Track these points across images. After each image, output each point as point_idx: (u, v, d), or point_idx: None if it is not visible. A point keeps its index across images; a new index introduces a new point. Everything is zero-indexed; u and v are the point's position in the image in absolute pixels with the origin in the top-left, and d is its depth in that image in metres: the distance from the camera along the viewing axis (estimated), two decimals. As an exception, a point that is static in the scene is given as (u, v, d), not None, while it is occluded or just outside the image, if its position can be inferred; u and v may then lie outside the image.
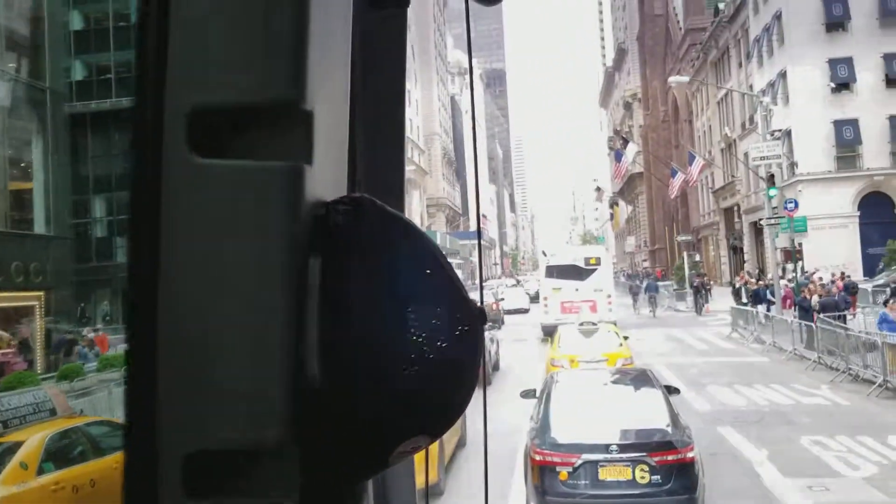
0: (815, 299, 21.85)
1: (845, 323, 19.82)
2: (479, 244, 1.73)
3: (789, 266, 28.55)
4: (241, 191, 0.71)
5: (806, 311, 21.74)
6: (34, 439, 9.25)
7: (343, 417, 0.74)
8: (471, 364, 0.78)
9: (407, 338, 0.74)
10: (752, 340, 24.25)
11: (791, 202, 25.05)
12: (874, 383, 15.53)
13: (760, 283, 29.95)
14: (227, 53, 0.72)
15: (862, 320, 21.02)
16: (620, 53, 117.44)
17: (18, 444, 9.08)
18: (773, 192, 24.94)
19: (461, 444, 12.11)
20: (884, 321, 16.05)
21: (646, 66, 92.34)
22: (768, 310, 26.17)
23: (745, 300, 27.02)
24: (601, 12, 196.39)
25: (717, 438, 12.15)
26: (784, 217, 25.39)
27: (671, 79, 42.63)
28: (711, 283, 41.25)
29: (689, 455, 7.84)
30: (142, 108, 0.73)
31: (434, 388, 0.76)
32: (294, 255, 0.72)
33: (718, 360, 21.09)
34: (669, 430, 8.19)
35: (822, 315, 20.27)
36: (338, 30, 0.84)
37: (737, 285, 32.35)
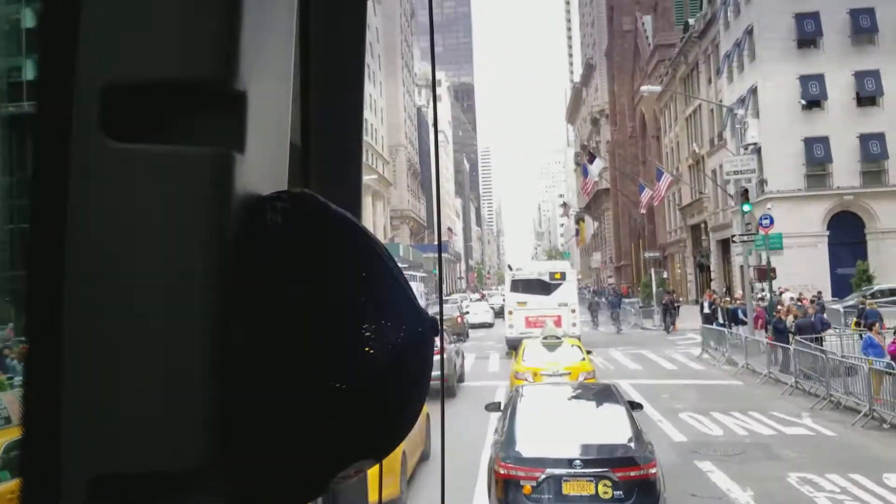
0: (790, 320, 20.88)
1: (822, 345, 18.85)
2: (440, 256, 1.53)
3: (758, 285, 27.64)
4: (161, 179, 0.64)
5: (781, 333, 20.76)
6: None
7: (276, 438, 0.66)
8: (420, 379, 0.71)
9: (349, 350, 0.66)
10: (724, 362, 23.23)
11: (766, 218, 24.15)
12: (858, 412, 14.49)
13: (727, 300, 29.01)
14: (148, 23, 0.65)
15: (838, 343, 20.08)
16: (588, 69, 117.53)
17: None
18: (746, 207, 24.02)
19: (424, 457, 12.04)
20: (869, 346, 15.06)
21: (614, 81, 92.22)
22: (734, 329, 25.21)
23: (721, 320, 25.96)
24: (569, 28, 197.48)
25: (697, 476, 10.91)
26: (758, 234, 24.46)
27: (643, 88, 41.94)
28: (680, 300, 40.39)
29: (652, 471, 7.85)
30: (48, 85, 0.65)
31: (380, 405, 0.68)
32: (220, 254, 0.64)
33: (690, 383, 19.98)
34: (632, 445, 8.21)
35: (798, 337, 19.29)
36: (280, 5, 0.75)
37: (705, 304, 31.40)
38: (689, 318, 35.91)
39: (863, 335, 21.48)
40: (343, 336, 0.66)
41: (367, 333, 0.66)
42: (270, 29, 0.72)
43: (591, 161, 71.04)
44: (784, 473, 10.77)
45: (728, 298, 34.72)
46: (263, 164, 0.71)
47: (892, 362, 14.03)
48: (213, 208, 0.63)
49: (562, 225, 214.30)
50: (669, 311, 35.79)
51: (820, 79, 40.27)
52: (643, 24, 76.03)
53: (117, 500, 0.62)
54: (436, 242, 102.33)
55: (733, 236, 25.49)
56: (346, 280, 0.68)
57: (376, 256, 0.70)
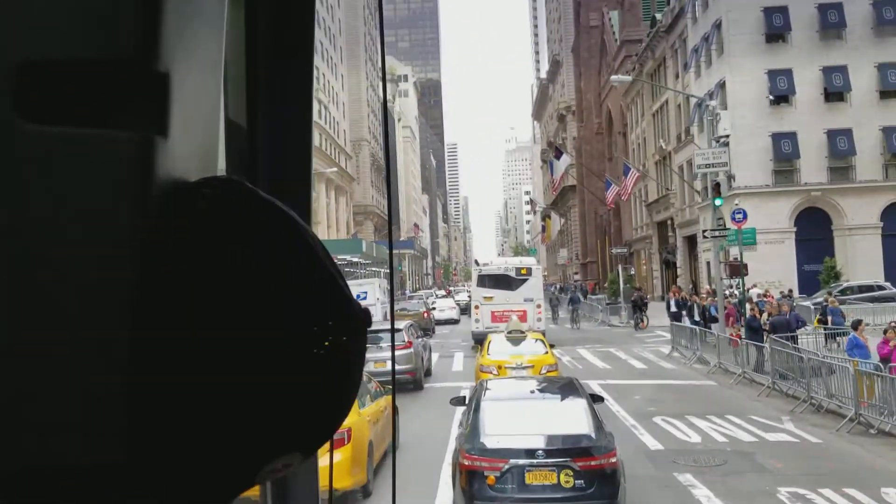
0: (764, 318, 20.15)
1: (797, 343, 18.11)
2: (391, 251, 1.63)
3: (726, 282, 26.94)
4: (78, 163, 0.61)
5: (755, 331, 20.00)
6: None
7: (195, 432, 0.64)
8: (351, 372, 0.70)
9: (276, 343, 0.64)
10: (695, 360, 22.47)
11: (739, 213, 23.39)
12: (841, 415, 13.71)
13: (703, 297, 28.26)
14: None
15: (811, 341, 19.37)
16: (555, 65, 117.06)
17: None
18: (718, 202, 23.24)
19: (392, 448, 12.30)
20: (855, 346, 14.27)
21: (580, 78, 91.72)
22: (708, 327, 24.46)
23: (697, 317, 25.15)
24: (536, 25, 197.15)
25: (679, 491, 9.96)
26: (730, 229, 23.72)
27: (613, 77, 41.08)
28: (648, 297, 39.75)
29: (612, 461, 8.09)
30: None
31: (308, 398, 0.67)
32: (139, 244, 0.62)
33: (662, 384, 19.14)
34: (593, 436, 8.45)
35: (773, 336, 18.54)
36: None
37: (671, 301, 30.71)
38: (656, 315, 35.27)
39: (832, 335, 20.94)
40: (266, 328, 0.64)
41: (297, 326, 0.65)
42: (197, 10, 0.70)
43: (558, 157, 70.48)
44: (773, 488, 9.85)
45: (695, 295, 34.14)
46: (190, 149, 0.69)
47: (881, 364, 13.25)
48: (132, 195, 0.60)
49: (528, 222, 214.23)
50: (639, 308, 35.06)
51: (788, 74, 39.87)
52: (610, 19, 75.55)
53: (33, 495, 0.60)
54: (402, 238, 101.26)
55: (705, 231, 24.71)
56: (272, 270, 0.65)
57: (305, 245, 0.68)
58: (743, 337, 20.13)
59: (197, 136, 0.70)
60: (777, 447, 12.12)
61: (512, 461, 8.01)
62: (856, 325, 14.70)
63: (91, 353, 0.59)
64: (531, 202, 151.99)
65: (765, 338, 20.09)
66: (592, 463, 8.00)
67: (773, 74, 39.99)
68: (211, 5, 0.73)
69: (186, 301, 0.62)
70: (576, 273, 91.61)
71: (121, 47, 0.59)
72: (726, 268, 25.09)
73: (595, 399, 10.11)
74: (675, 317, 28.80)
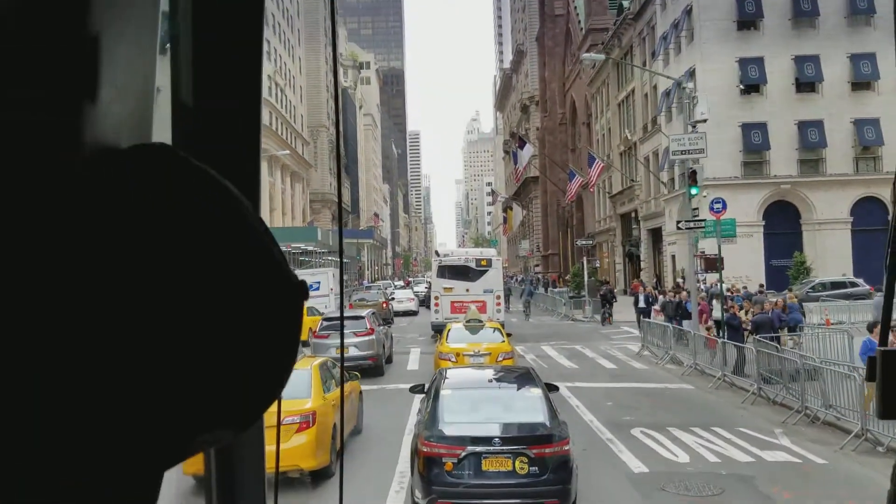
0: (746, 315, 18.67)
1: (780, 344, 16.62)
2: (341, 237, 1.57)
3: (700, 276, 25.51)
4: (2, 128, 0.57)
5: (735, 330, 18.52)
6: None
7: (116, 402, 0.61)
8: (286, 346, 0.67)
9: (204, 314, 0.62)
10: (668, 360, 20.96)
11: (718, 202, 21.92)
12: (841, 429, 12.22)
13: (677, 293, 26.77)
14: None
15: (806, 344, 17.88)
16: (519, 55, 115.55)
17: None
18: (694, 191, 21.73)
19: (356, 431, 13.09)
20: (870, 350, 12.73)
21: (545, 67, 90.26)
22: (680, 324, 22.97)
23: (671, 312, 23.57)
24: (500, 15, 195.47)
25: (674, 531, 8.30)
26: (706, 220, 22.22)
27: (584, 55, 39.42)
28: (614, 291, 38.29)
29: (565, 448, 8.33)
30: None
31: (238, 372, 0.64)
32: (59, 214, 0.59)
33: (635, 387, 17.54)
34: (548, 424, 8.67)
35: (756, 336, 17.06)
36: None
37: (640, 297, 29.25)
38: (621, 310, 33.88)
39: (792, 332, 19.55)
40: (200, 300, 0.62)
41: (228, 297, 0.63)
42: None
43: (521, 147, 68.92)
44: (785, 526, 8.23)
45: (670, 291, 32.81)
46: (121, 116, 0.67)
47: None
48: (51, 164, 0.57)
49: (489, 213, 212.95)
50: (607, 303, 33.56)
51: (759, 62, 38.68)
52: (575, 7, 74.04)
53: None
54: (361, 227, 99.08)
55: (679, 222, 23.17)
56: (206, 240, 0.63)
57: (238, 215, 0.65)
58: (720, 336, 18.64)
59: (129, 104, 0.69)
60: (778, 469, 10.52)
61: (469, 448, 8.20)
62: (871, 327, 13.13)
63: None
64: (493, 193, 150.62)
65: (746, 337, 18.66)
66: (547, 450, 8.22)
67: (744, 63, 38.78)
68: None
69: (113, 272, 0.59)
70: (537, 265, 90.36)
71: (50, 10, 0.56)
72: (701, 261, 23.57)
73: (550, 388, 10.21)
74: (644, 313, 27.35)
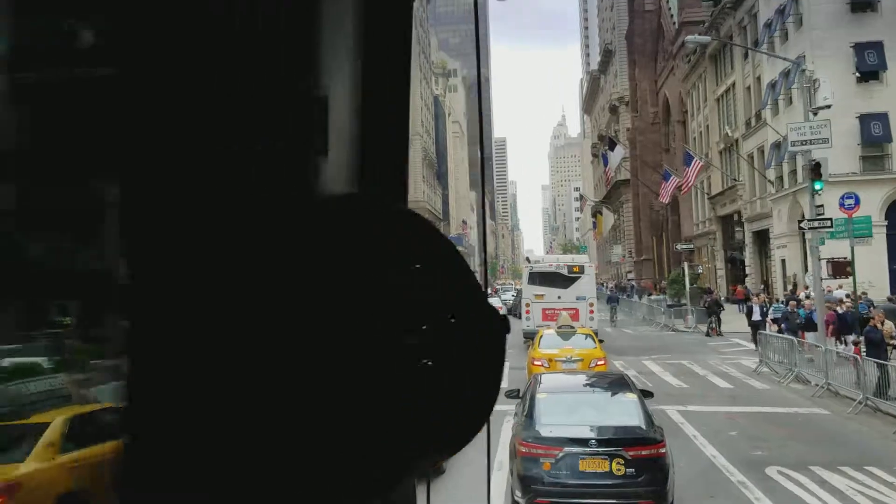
0: (889, 327, 16.15)
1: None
2: (485, 245, 1.66)
3: (825, 283, 22.81)
4: (237, 178, 0.70)
5: (876, 346, 16.02)
6: (58, 421, 8.80)
7: (350, 432, 0.71)
8: (494, 376, 0.74)
9: (422, 347, 0.70)
10: (791, 379, 18.51)
11: (850, 198, 19.42)
12: None
13: (797, 301, 24.07)
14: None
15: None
16: (607, 55, 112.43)
17: (45, 425, 8.76)
18: (818, 185, 19.23)
19: None
20: None
21: (634, 66, 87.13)
22: (796, 334, 20.41)
23: (794, 325, 20.99)
24: (586, 17, 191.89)
25: None
26: (835, 219, 19.65)
27: (688, 39, 36.72)
28: (721, 299, 35.54)
29: (662, 451, 8.44)
30: None
31: (459, 402, 0.73)
32: (301, 249, 0.71)
33: (760, 412, 15.29)
34: (644, 427, 8.82)
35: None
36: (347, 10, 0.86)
37: (754, 308, 26.60)
38: (729, 319, 31.22)
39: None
40: (420, 333, 0.70)
41: (441, 331, 0.70)
42: (345, 38, 0.81)
43: (611, 148, 66.35)
44: None
45: (770, 298, 30.04)
46: (339, 164, 0.78)
47: None
48: (293, 206, 0.69)
49: (577, 218, 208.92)
50: (714, 313, 30.95)
51: (878, 47, 35.25)
52: (668, 1, 70.89)
53: None
54: (450, 234, 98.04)
55: (802, 221, 20.61)
56: (420, 279, 0.71)
57: (448, 253, 0.74)
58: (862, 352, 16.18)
59: (343, 152, 0.80)
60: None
61: (566, 449, 8.38)
62: None
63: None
64: (581, 198, 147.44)
65: (889, 353, 16.14)
66: (643, 452, 8.32)
67: (860, 48, 35.42)
68: (354, 31, 0.82)
69: (345, 308, 0.68)
70: (629, 271, 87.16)
71: (286, 75, 0.69)
72: (829, 266, 20.93)
73: (645, 394, 10.32)
74: (759, 325, 24.74)
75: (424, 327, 0.68)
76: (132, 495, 0.67)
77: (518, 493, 8.63)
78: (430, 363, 0.68)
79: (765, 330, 23.18)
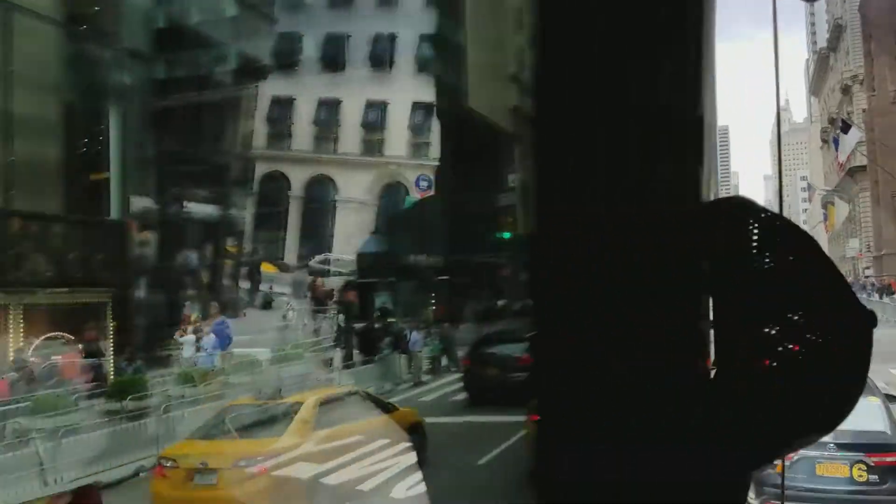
0: None
1: None
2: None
3: None
4: (636, 192, 0.87)
5: None
6: (311, 401, 11.67)
7: (732, 409, 0.82)
8: (860, 364, 0.85)
9: (795, 339, 0.80)
10: None
11: None
12: None
13: None
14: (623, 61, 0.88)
15: None
16: (836, 31, 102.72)
17: (299, 404, 11.54)
18: None
19: None
20: None
21: (870, 40, 78.85)
22: None
23: None
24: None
25: None
26: None
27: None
28: None
29: None
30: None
31: (824, 386, 0.83)
32: (691, 256, 0.82)
33: None
34: (889, 432, 8.57)
35: None
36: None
37: None
38: None
39: None
40: (791, 327, 0.79)
41: (810, 324, 0.79)
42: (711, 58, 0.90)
43: (844, 131, 60.42)
44: None
45: None
46: (708, 176, 0.89)
47: None
48: (684, 214, 0.81)
49: (804, 210, 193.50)
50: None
51: None
52: (909, -37, 63.17)
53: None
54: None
55: None
56: (788, 274, 0.80)
57: (812, 251, 0.82)
58: None
59: (706, 166, 0.90)
60: None
61: (802, 452, 7.91)
62: None
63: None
64: (808, 187, 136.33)
65: None
66: (888, 459, 8.10)
67: None
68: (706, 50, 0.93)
69: (721, 300, 0.80)
70: (867, 268, 78.92)
71: (672, 100, 0.80)
72: None
73: (891, 399, 10.00)
74: None
75: (797, 315, 0.77)
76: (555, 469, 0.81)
77: (751, 494, 8.25)
78: (796, 349, 0.78)
79: None
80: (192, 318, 24.79)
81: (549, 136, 0.87)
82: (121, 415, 14.19)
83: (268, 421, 11.75)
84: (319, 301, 25.71)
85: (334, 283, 28.00)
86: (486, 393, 17.21)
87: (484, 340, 19.81)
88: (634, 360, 0.79)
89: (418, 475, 10.61)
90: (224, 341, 19.81)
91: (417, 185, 31.29)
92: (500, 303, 37.59)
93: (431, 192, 31.06)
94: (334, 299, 26.30)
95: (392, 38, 33.60)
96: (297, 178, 33.69)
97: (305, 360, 18.74)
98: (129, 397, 14.89)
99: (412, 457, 11.35)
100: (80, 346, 19.50)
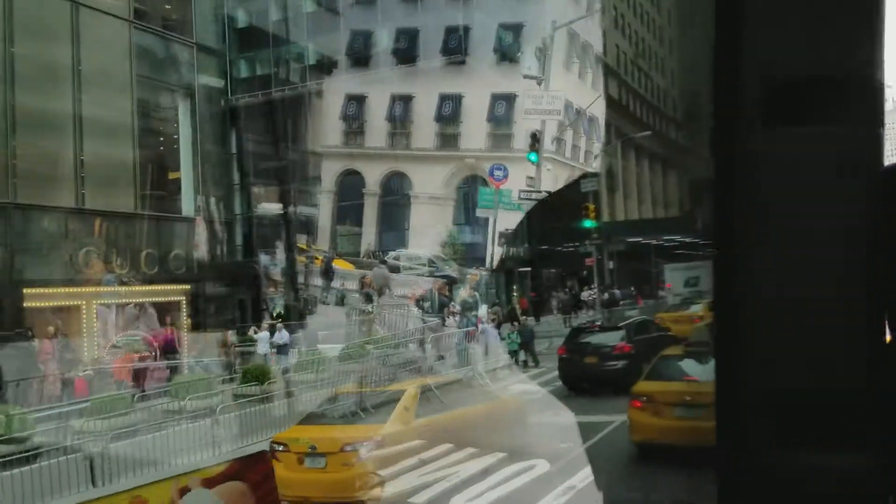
0: None
1: None
2: None
3: None
4: (818, 156, 0.82)
5: None
6: (412, 389, 12.22)
7: None
8: None
9: None
10: None
11: None
12: None
13: None
14: (802, 26, 0.82)
15: None
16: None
17: (401, 392, 12.05)
18: None
19: None
20: None
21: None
22: None
23: None
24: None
25: None
26: None
27: None
28: None
29: None
30: (719, 82, 0.86)
31: None
32: (873, 218, 0.82)
33: None
34: None
35: None
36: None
37: None
38: None
39: None
40: None
41: None
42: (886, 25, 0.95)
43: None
44: None
45: None
46: (883, 142, 0.89)
47: None
48: (863, 179, 0.80)
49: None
50: None
51: None
52: None
53: (793, 417, 0.81)
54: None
55: None
56: None
57: None
58: None
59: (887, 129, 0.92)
60: None
61: None
62: None
63: (847, 308, 0.80)
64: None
65: None
66: None
67: None
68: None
69: None
70: None
71: (854, 63, 0.80)
72: None
73: None
74: None
75: None
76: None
77: None
78: None
79: None
80: (275, 314, 24.64)
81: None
82: (252, 398, 15.75)
83: (372, 408, 12.49)
84: (368, 297, 25.10)
85: (415, 280, 27.30)
86: (583, 381, 17.58)
87: (580, 329, 20.32)
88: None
89: (518, 464, 11.23)
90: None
91: (492, 174, 30.27)
92: (586, 294, 36.26)
93: (507, 182, 30.03)
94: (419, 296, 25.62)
95: (466, 28, 32.86)
96: (372, 174, 33.29)
97: (376, 356, 18.59)
98: (266, 382, 16.69)
99: (511, 445, 11.95)
100: (156, 343, 19.50)
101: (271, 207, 27.66)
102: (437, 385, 13.68)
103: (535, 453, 11.98)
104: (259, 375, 17.23)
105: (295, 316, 24.41)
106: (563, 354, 18.94)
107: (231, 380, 17.35)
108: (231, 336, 21.46)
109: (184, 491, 5.28)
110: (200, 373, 17.75)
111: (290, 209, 28.28)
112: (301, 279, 26.94)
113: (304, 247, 28.83)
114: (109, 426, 13.28)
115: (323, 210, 31.61)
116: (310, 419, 13.14)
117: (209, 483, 5.40)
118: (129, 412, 14.44)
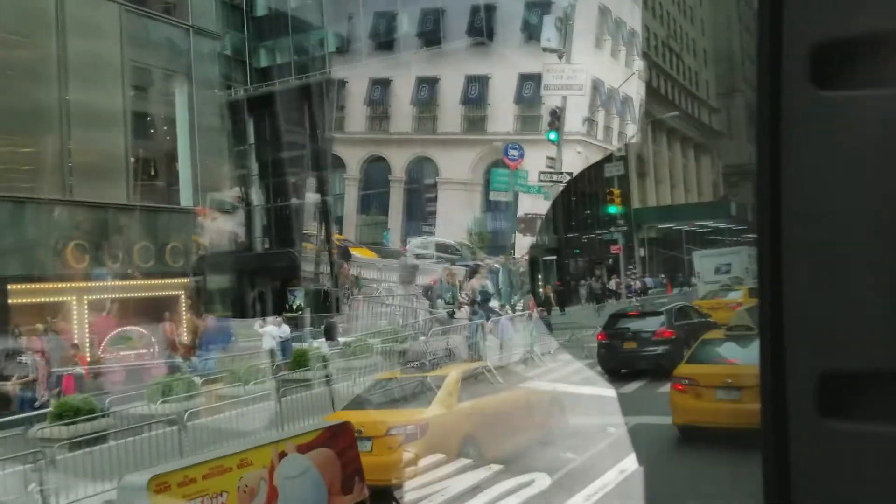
0: None
1: None
2: None
3: None
4: (867, 120, 0.78)
5: None
6: (453, 374, 12.34)
7: None
8: None
9: None
10: None
11: None
12: None
13: None
14: None
15: None
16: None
17: (443, 378, 12.12)
18: None
19: None
20: None
21: None
22: None
23: None
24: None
25: None
26: None
27: None
28: None
29: None
30: (763, 45, 0.82)
31: None
32: None
33: None
34: None
35: None
36: None
37: None
38: None
39: None
40: None
41: None
42: None
43: None
44: None
45: None
46: None
47: None
48: None
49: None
50: None
51: None
52: None
53: (837, 393, 0.78)
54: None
55: None
56: None
57: None
58: None
59: None
60: None
61: None
62: None
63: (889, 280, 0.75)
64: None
65: None
66: None
67: None
68: None
69: None
70: None
71: None
72: None
73: None
74: None
75: None
76: None
77: None
78: None
79: None
80: (294, 307, 24.22)
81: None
82: (298, 384, 16.42)
83: (415, 393, 12.78)
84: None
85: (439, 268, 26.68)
86: (623, 366, 17.77)
87: (619, 315, 20.34)
88: None
89: (558, 447, 11.54)
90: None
91: (506, 154, 29.09)
92: (612, 281, 35.62)
93: (522, 162, 28.94)
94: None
95: (491, 7, 31.99)
96: (398, 160, 32.75)
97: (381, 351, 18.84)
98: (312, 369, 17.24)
99: (552, 428, 12.29)
100: (154, 339, 19.11)
101: (310, 197, 27.08)
102: (478, 370, 14.17)
103: (575, 442, 12.11)
104: (306, 360, 17.96)
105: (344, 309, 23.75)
106: (604, 340, 19.00)
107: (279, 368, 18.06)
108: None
109: (282, 455, 6.12)
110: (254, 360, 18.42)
111: (327, 198, 27.76)
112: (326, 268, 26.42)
113: (339, 237, 28.26)
114: (183, 407, 14.02)
115: (348, 198, 31.17)
116: (355, 403, 13.31)
117: (303, 449, 6.28)
118: (195, 394, 15.48)
